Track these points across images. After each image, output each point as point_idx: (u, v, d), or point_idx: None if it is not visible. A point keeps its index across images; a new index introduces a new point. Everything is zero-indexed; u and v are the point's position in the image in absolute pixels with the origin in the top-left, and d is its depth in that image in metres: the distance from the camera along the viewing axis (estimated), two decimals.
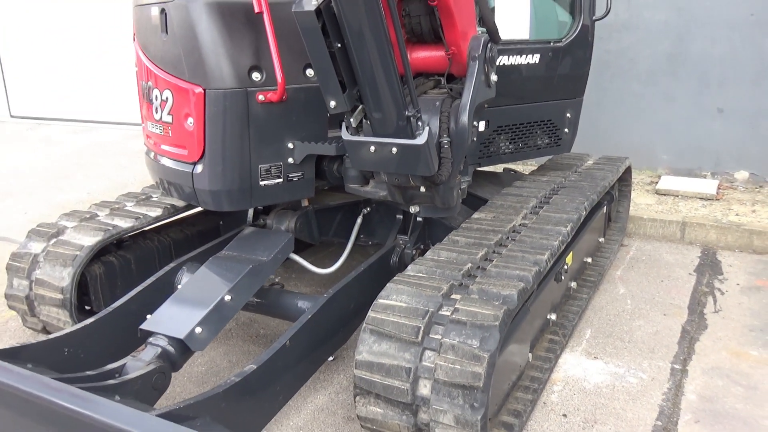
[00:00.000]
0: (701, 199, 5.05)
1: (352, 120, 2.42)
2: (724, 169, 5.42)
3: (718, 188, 5.18)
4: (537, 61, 3.41)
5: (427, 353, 2.18)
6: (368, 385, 2.23)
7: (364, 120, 2.46)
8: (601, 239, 4.17)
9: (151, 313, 2.67)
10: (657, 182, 5.36)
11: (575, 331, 3.33)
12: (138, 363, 2.42)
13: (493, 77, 2.68)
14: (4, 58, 9.96)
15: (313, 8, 2.10)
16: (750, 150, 5.29)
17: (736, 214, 4.68)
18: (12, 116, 10.09)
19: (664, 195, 5.17)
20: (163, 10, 2.72)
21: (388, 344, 2.23)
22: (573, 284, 3.50)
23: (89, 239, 3.10)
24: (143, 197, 3.64)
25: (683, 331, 3.33)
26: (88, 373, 2.36)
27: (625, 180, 4.52)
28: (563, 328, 3.23)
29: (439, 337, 2.18)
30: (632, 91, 5.57)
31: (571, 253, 3.29)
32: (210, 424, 2.13)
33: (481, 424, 2.07)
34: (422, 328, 2.19)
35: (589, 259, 3.84)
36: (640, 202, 5.03)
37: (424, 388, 2.16)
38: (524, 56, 3.36)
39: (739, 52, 5.13)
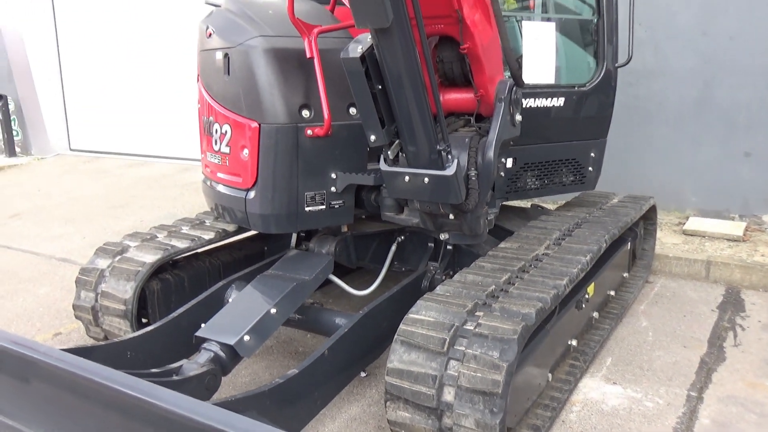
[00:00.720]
0: (728, 240, 5.17)
1: (389, 153, 2.73)
2: (752, 211, 5.54)
3: (746, 230, 5.29)
4: (562, 104, 3.68)
5: (452, 363, 2.41)
6: (398, 391, 2.47)
7: (400, 153, 2.76)
8: (626, 274, 4.34)
9: (202, 324, 2.98)
10: (685, 223, 5.51)
11: (596, 358, 3.50)
12: (193, 365, 2.72)
13: (518, 117, 2.97)
14: (68, 94, 10.69)
15: (358, 55, 2.43)
16: None
17: (762, 255, 4.80)
18: (71, 149, 10.78)
19: (691, 235, 5.31)
20: (226, 54, 3.10)
21: (416, 354, 2.47)
22: (595, 314, 3.68)
23: (150, 257, 3.44)
24: (197, 222, 3.99)
25: (701, 362, 3.47)
26: (151, 371, 2.67)
27: (650, 219, 4.70)
28: (584, 354, 3.40)
29: (463, 348, 2.41)
30: (661, 134, 5.77)
31: (592, 284, 3.49)
32: (257, 417, 2.39)
33: (499, 428, 2.28)
34: (448, 340, 2.42)
35: (613, 293, 4.03)
36: (667, 241, 5.18)
37: (449, 395, 2.38)
38: (550, 99, 3.63)
39: (765, 98, 5.31)
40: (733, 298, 4.37)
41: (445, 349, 2.41)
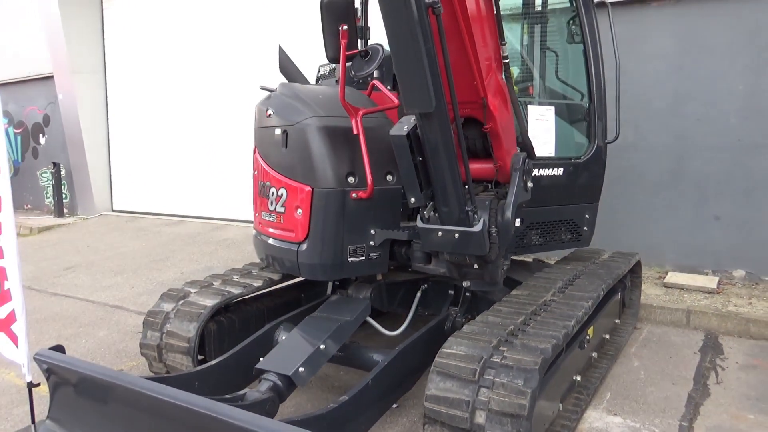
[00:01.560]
0: (703, 292, 5.38)
1: (425, 212, 3.00)
2: (724, 267, 5.77)
3: (719, 284, 5.51)
4: (561, 174, 3.98)
5: (482, 390, 2.59)
6: (436, 415, 2.64)
7: (433, 212, 3.03)
8: (617, 320, 4.54)
9: (254, 361, 3.16)
10: (665, 277, 5.73)
11: (597, 392, 3.66)
12: (255, 393, 2.89)
13: (530, 184, 3.26)
14: (113, 162, 11.08)
15: (404, 133, 2.74)
16: (745, 252, 5.66)
17: (735, 305, 5.00)
18: (113, 210, 11.07)
19: (671, 288, 5.52)
20: (284, 131, 3.41)
21: (451, 383, 2.65)
22: (594, 354, 3.86)
23: (210, 301, 3.65)
24: (246, 272, 4.21)
25: (689, 397, 3.63)
26: (219, 398, 2.83)
27: (636, 272, 4.92)
28: (587, 388, 3.57)
29: (492, 377, 2.60)
30: (641, 200, 6.08)
31: (592, 326, 3.69)
32: None
33: None
34: (478, 370, 2.61)
35: (608, 336, 4.21)
36: (650, 293, 5.39)
37: (480, 418, 2.55)
38: (551, 170, 3.93)
39: (730, 170, 5.64)
40: (712, 343, 4.55)
41: (476, 377, 2.60)
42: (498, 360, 2.66)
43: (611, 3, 5.11)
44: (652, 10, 5.80)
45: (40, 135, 11.55)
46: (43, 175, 11.45)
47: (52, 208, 11.06)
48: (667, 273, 5.88)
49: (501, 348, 2.77)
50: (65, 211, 11.03)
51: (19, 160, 12.10)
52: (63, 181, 11.01)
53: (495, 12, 2.83)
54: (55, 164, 10.85)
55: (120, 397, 2.75)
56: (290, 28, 8.26)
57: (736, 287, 5.54)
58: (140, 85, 10.52)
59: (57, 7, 10.08)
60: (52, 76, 10.80)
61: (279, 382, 2.91)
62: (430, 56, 2.49)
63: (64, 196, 11.04)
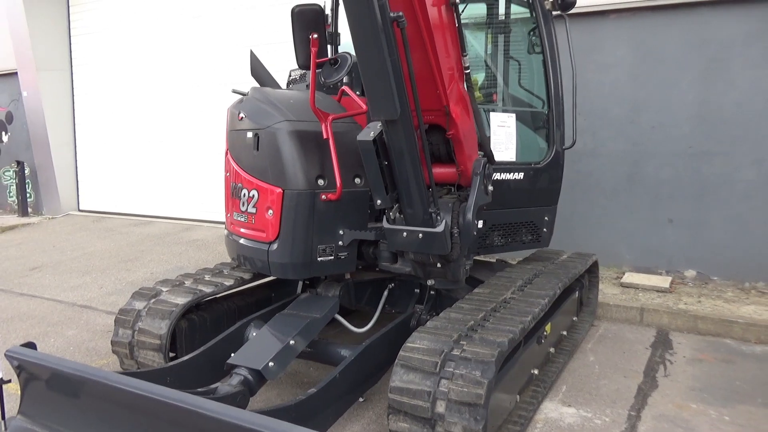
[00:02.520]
0: (657, 291, 5.68)
1: (391, 214, 3.16)
2: (676, 267, 6.09)
3: (671, 283, 5.82)
4: (522, 178, 4.19)
5: (443, 381, 2.76)
6: (399, 405, 2.80)
7: (398, 214, 3.19)
8: (575, 318, 4.77)
9: (225, 357, 3.27)
10: (621, 277, 6.02)
11: (553, 386, 3.87)
12: (226, 387, 3.01)
13: (490, 188, 3.45)
14: (79, 160, 10.95)
15: (371, 138, 2.89)
16: (696, 253, 5.98)
17: (685, 303, 5.30)
18: (80, 210, 10.95)
19: (627, 287, 5.81)
20: (256, 134, 3.53)
21: (414, 375, 2.81)
22: (552, 350, 4.08)
23: (182, 299, 3.73)
24: (217, 271, 4.30)
25: (638, 388, 3.87)
26: (192, 391, 2.94)
27: (593, 272, 5.17)
28: (544, 382, 3.77)
29: (452, 369, 2.77)
30: (599, 203, 6.36)
31: (549, 323, 3.90)
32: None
33: None
34: (439, 363, 2.78)
35: (565, 332, 4.44)
36: (608, 292, 5.66)
37: (441, 407, 2.72)
38: (512, 174, 4.14)
39: (682, 175, 5.96)
40: (662, 339, 4.83)
41: (437, 370, 2.77)
42: (458, 353, 2.83)
43: (570, 14, 5.39)
44: (609, 21, 6.09)
45: (2, 132, 11.34)
46: (6, 173, 11.24)
47: (16, 207, 10.89)
48: (624, 273, 6.17)
49: (461, 342, 2.94)
50: (29, 210, 10.86)
51: None
52: (27, 180, 10.85)
53: (457, 24, 3.01)
54: (18, 162, 10.68)
55: (92, 392, 2.83)
56: (261, 33, 8.36)
57: (688, 286, 5.86)
58: (108, 84, 10.44)
59: (21, 3, 9.94)
60: (15, 73, 10.63)
61: (249, 376, 3.03)
62: (395, 66, 2.66)
63: (28, 195, 10.87)
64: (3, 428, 2.96)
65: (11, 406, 2.93)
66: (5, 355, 2.81)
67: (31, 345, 2.92)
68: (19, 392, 2.87)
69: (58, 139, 10.62)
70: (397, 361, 2.88)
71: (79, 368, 2.83)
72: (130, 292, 4.06)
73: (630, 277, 5.97)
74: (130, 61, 10.11)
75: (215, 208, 9.15)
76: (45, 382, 2.96)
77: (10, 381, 2.97)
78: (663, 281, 5.84)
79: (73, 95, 10.85)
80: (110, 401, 2.77)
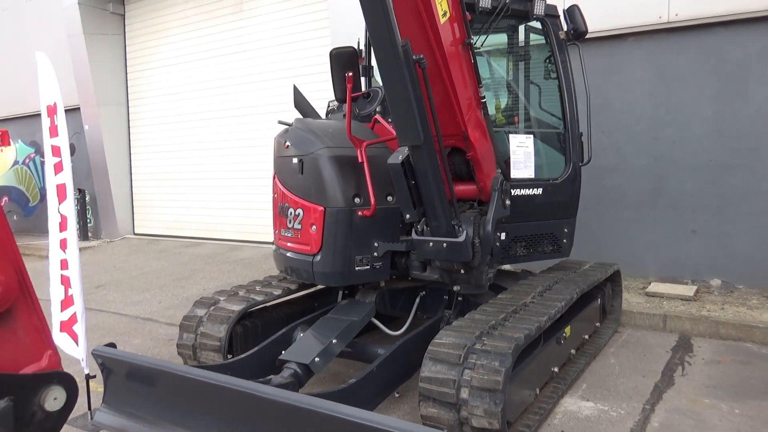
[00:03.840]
0: (681, 299, 5.92)
1: (419, 226, 3.62)
2: (701, 277, 6.32)
3: (696, 292, 6.05)
4: (541, 193, 4.59)
5: (466, 371, 3.17)
6: (428, 393, 3.22)
7: (425, 227, 3.65)
8: (598, 324, 5.09)
9: (276, 356, 3.76)
10: (647, 287, 6.28)
11: (574, 383, 4.21)
12: (279, 378, 3.49)
13: (507, 202, 3.87)
14: (135, 188, 11.83)
15: (399, 161, 3.38)
16: (721, 262, 6.21)
17: (708, 310, 5.55)
18: (135, 233, 11.78)
19: (652, 296, 6.07)
20: (300, 160, 4.06)
21: (441, 366, 3.23)
22: (573, 351, 4.43)
23: (237, 306, 4.26)
24: (266, 283, 4.83)
25: (655, 386, 4.18)
26: (251, 381, 3.43)
27: (616, 281, 5.49)
28: (564, 380, 4.12)
29: (474, 360, 3.18)
30: (624, 217, 6.66)
31: (569, 326, 4.26)
32: None
33: (500, 415, 3.02)
34: (463, 355, 3.20)
35: (587, 337, 4.77)
36: (633, 301, 5.94)
37: (465, 393, 3.13)
38: (532, 189, 4.54)
39: (704, 188, 6.22)
40: (684, 343, 5.09)
41: (461, 361, 3.18)
42: (479, 347, 3.25)
43: (590, 38, 5.82)
44: (629, 44, 6.46)
45: None
46: None
47: (78, 232, 11.78)
48: (649, 283, 6.43)
49: (483, 338, 3.35)
50: (90, 234, 11.75)
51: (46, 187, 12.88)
52: (87, 207, 11.76)
53: (472, 60, 3.48)
54: (80, 190, 11.60)
55: (166, 382, 3.35)
56: (303, 69, 9.05)
57: (713, 295, 6.08)
58: (160, 116, 11.31)
59: (84, 45, 10.93)
60: (77, 108, 11.61)
61: (299, 370, 3.51)
62: (419, 100, 3.14)
63: (88, 220, 11.77)
64: (90, 417, 3.49)
65: (93, 400, 3.42)
66: (92, 353, 3.32)
67: (112, 345, 3.46)
68: (102, 387, 3.37)
69: (116, 168, 11.51)
70: (426, 354, 3.31)
71: (154, 362, 3.37)
72: (185, 307, 4.60)
73: (655, 287, 6.23)
74: (180, 95, 10.96)
75: (258, 229, 9.80)
76: (125, 375, 3.50)
77: (95, 376, 3.51)
78: (688, 290, 6.08)
79: (129, 127, 11.77)
80: (182, 390, 3.29)
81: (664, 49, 6.28)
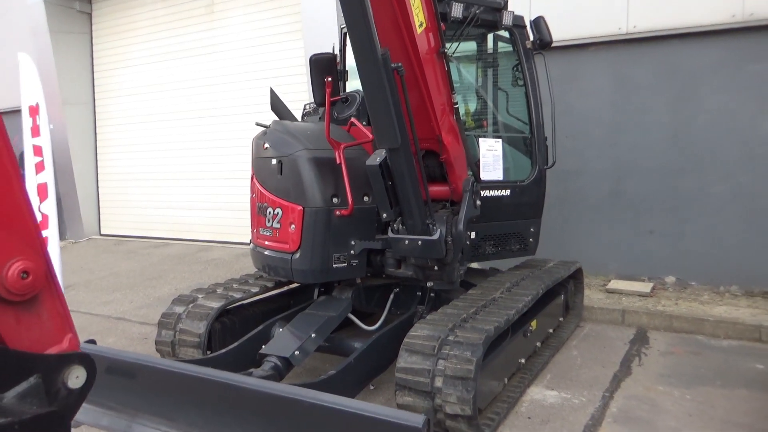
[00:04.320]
0: (639, 295, 6.26)
1: (395, 225, 3.80)
2: (658, 274, 6.68)
3: (653, 288, 6.41)
4: (508, 194, 4.84)
5: (440, 361, 3.37)
6: (404, 382, 3.40)
7: (401, 225, 3.84)
8: (561, 319, 5.37)
9: (254, 351, 3.89)
10: (607, 284, 6.62)
11: (539, 374, 4.46)
12: (260, 371, 3.63)
13: (478, 202, 4.10)
14: (101, 189, 11.70)
15: (377, 163, 3.56)
16: (675, 261, 6.58)
17: (663, 305, 5.90)
18: (101, 234, 11.65)
19: (612, 293, 6.40)
20: (279, 161, 4.20)
21: (416, 357, 3.43)
22: (539, 344, 4.68)
23: (216, 303, 4.37)
24: (243, 281, 4.94)
25: (614, 375, 4.46)
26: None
27: (578, 278, 5.78)
28: (530, 370, 4.37)
29: (447, 351, 3.38)
30: (586, 217, 6.98)
31: (535, 320, 4.51)
32: None
33: (472, 402, 3.22)
34: (437, 346, 3.40)
35: (552, 330, 5.05)
36: (594, 297, 6.25)
37: (439, 382, 3.33)
38: (500, 191, 4.78)
39: (660, 190, 6.59)
40: (640, 336, 5.41)
41: (435, 352, 3.38)
42: (452, 338, 3.45)
43: (553, 47, 6.12)
44: (589, 53, 6.79)
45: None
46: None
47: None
48: (609, 280, 6.77)
49: (455, 330, 3.56)
50: None
51: None
52: None
53: (446, 68, 3.69)
54: None
55: (148, 376, 3.45)
56: (274, 72, 9.15)
57: (668, 291, 6.44)
58: (127, 116, 11.23)
59: (49, 43, 10.78)
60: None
61: (279, 363, 3.65)
62: (396, 105, 3.33)
63: None
64: None
65: None
66: None
67: (91, 341, 3.54)
68: None
69: (81, 168, 11.36)
70: (402, 346, 3.50)
71: (136, 357, 3.47)
72: (158, 306, 4.68)
73: (615, 284, 6.56)
74: (148, 95, 10.91)
75: (229, 230, 9.84)
76: (105, 370, 3.58)
77: None
78: (645, 287, 6.43)
79: (95, 127, 11.63)
80: (164, 383, 3.40)
81: (623, 58, 6.63)
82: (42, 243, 1.47)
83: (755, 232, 6.18)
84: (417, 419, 2.70)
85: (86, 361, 1.50)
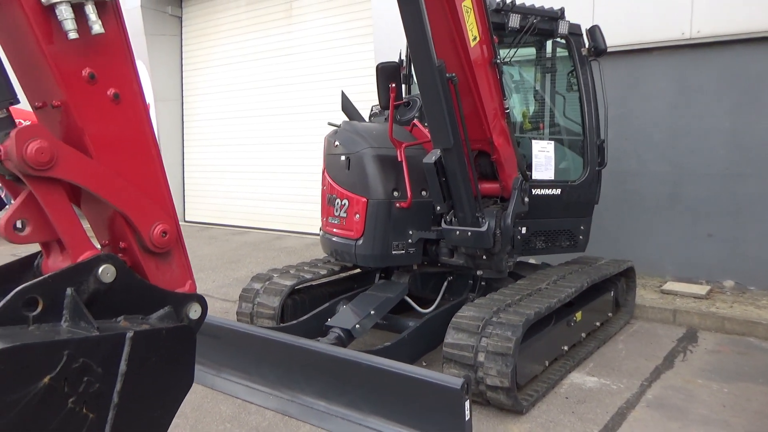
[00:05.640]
0: (694, 297, 6.38)
1: (448, 217, 4.26)
2: (716, 278, 6.76)
3: (709, 291, 6.51)
4: (560, 193, 5.17)
5: (483, 339, 3.80)
6: (451, 356, 3.85)
7: (453, 217, 4.29)
8: (610, 314, 5.63)
9: (320, 325, 4.45)
10: (663, 285, 6.76)
11: (582, 363, 4.77)
12: (326, 340, 4.17)
13: (526, 199, 4.48)
14: (186, 178, 12.77)
15: (433, 161, 4.02)
16: (734, 265, 6.64)
17: (717, 307, 6.02)
18: (186, 221, 12.72)
19: (667, 294, 6.55)
20: (348, 157, 4.74)
21: (462, 334, 3.87)
22: (584, 335, 5.00)
23: (289, 282, 4.97)
24: (313, 264, 5.53)
25: (656, 368, 4.71)
26: None
27: (629, 277, 6.01)
28: (573, 358, 4.70)
29: (490, 330, 3.81)
30: (644, 219, 7.14)
31: (580, 312, 4.84)
32: None
33: (510, 375, 3.63)
34: (481, 326, 3.83)
35: (599, 324, 5.33)
36: (648, 297, 6.43)
37: (481, 357, 3.76)
38: (551, 190, 5.12)
39: (720, 194, 6.66)
40: (690, 335, 5.59)
41: (480, 330, 3.81)
42: (495, 320, 3.87)
43: (617, 52, 6.37)
44: (653, 57, 6.94)
45: None
46: None
47: None
48: (666, 282, 6.90)
49: (499, 313, 3.97)
50: None
51: None
52: None
53: (499, 77, 4.10)
54: None
55: (230, 338, 4.07)
56: (346, 73, 9.78)
57: (725, 295, 6.52)
58: (212, 113, 12.21)
59: (145, 45, 11.90)
60: None
61: (342, 334, 4.19)
62: (450, 111, 3.78)
63: None
64: None
65: None
66: None
67: None
68: None
69: (170, 159, 12.45)
70: (450, 325, 3.95)
71: (222, 321, 4.11)
72: (236, 286, 5.32)
73: (670, 285, 6.70)
74: (231, 93, 11.83)
75: (302, 221, 10.57)
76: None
77: None
78: (701, 289, 6.54)
79: (183, 122, 12.70)
80: (243, 344, 4.00)
81: (685, 63, 6.74)
82: (174, 211, 2.05)
83: None
84: (456, 381, 3.17)
85: (201, 300, 2.05)
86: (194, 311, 2.02)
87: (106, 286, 1.73)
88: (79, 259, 1.74)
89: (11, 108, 1.69)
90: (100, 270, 1.72)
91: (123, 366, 1.61)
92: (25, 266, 1.92)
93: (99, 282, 1.72)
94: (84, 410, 1.54)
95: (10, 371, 1.40)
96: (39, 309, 1.60)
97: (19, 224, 1.73)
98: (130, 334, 1.63)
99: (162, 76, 12.32)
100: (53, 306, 1.63)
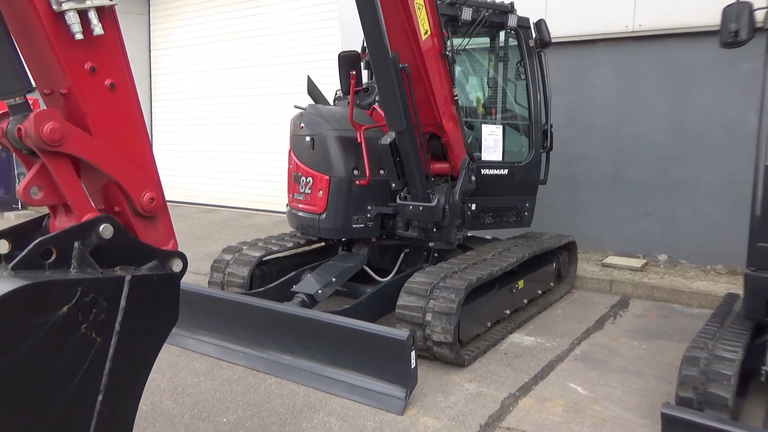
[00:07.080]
0: (630, 269, 7.03)
1: (402, 193, 4.75)
2: (652, 252, 7.42)
3: (644, 264, 7.16)
4: (506, 173, 5.69)
5: (431, 301, 4.30)
6: (402, 316, 4.35)
7: (407, 194, 4.78)
8: (552, 284, 6.22)
9: (285, 293, 4.90)
10: (604, 259, 7.40)
11: (522, 325, 5.34)
12: (291, 304, 4.64)
13: (473, 178, 4.99)
14: (156, 156, 12.95)
15: (388, 142, 4.49)
16: (668, 240, 7.30)
17: (649, 278, 6.67)
18: None
19: (607, 267, 7.18)
20: (312, 138, 5.16)
21: (413, 297, 4.36)
22: (525, 301, 5.56)
23: (257, 253, 5.40)
24: (280, 238, 5.96)
25: (587, 329, 5.31)
26: None
27: (571, 250, 6.59)
28: (514, 321, 5.26)
29: (437, 293, 4.31)
30: (589, 199, 7.74)
31: (522, 280, 5.39)
32: None
33: (453, 332, 4.15)
34: (429, 290, 4.33)
35: (540, 292, 5.91)
36: (589, 269, 7.05)
37: (429, 316, 4.26)
38: (499, 170, 5.64)
39: (657, 176, 7.29)
40: (622, 302, 6.22)
41: (428, 293, 4.32)
42: (442, 284, 4.38)
43: (565, 42, 6.89)
44: (598, 48, 7.49)
45: None
46: None
47: None
48: (607, 256, 7.54)
49: (445, 279, 4.48)
50: None
51: None
52: None
53: (448, 67, 4.57)
54: None
55: (204, 302, 4.49)
56: (311, 56, 10.12)
57: (659, 267, 7.19)
58: (181, 92, 12.41)
59: None
60: None
61: (306, 299, 4.66)
62: (403, 97, 4.24)
63: None
64: None
65: None
66: None
67: None
68: None
69: None
70: (402, 289, 4.45)
71: (196, 288, 4.53)
72: (206, 261, 5.71)
73: (610, 259, 7.35)
74: (200, 73, 12.04)
75: (269, 199, 10.95)
76: None
77: None
78: (637, 262, 7.19)
79: (151, 102, 12.87)
80: (217, 308, 4.44)
81: (628, 54, 7.31)
82: (160, 181, 2.47)
83: (741, 216, 6.84)
84: (403, 334, 3.68)
85: (182, 256, 2.49)
86: (176, 265, 2.46)
87: (106, 241, 2.15)
88: (84, 219, 2.15)
89: None
90: (101, 228, 2.13)
91: (123, 302, 2.05)
92: (35, 225, 2.32)
93: (100, 238, 2.13)
94: (93, 335, 1.97)
95: (38, 301, 1.82)
96: (53, 258, 2.01)
97: (34, 190, 2.13)
98: (128, 277, 2.07)
99: (130, 55, 12.39)
100: (63, 256, 2.05)
